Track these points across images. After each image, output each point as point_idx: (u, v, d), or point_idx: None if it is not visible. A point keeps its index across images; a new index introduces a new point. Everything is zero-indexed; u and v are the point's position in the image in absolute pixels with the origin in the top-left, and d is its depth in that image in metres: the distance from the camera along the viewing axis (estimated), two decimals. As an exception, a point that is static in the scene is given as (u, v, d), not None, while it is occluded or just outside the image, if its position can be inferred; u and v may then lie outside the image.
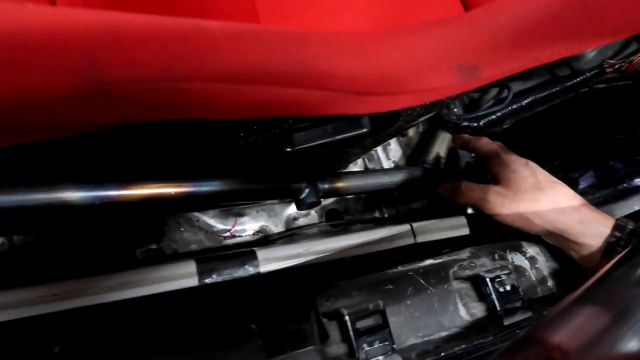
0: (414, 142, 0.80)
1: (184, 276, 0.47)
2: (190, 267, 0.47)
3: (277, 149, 0.52)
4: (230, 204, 0.64)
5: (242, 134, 0.45)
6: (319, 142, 0.51)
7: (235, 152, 0.48)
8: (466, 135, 0.70)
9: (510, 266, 0.62)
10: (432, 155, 0.73)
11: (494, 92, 0.76)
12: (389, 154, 0.75)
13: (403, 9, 0.64)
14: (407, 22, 0.62)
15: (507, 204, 0.61)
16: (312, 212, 0.73)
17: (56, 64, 0.27)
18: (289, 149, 0.52)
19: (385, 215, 0.75)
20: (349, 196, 0.75)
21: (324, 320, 0.50)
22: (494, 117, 0.73)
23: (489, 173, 0.66)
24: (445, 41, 0.38)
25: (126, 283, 0.44)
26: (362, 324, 0.50)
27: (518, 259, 0.64)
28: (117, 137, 0.41)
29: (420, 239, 0.60)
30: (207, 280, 0.48)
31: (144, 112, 0.31)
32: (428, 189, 0.71)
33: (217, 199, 0.55)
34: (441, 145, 0.74)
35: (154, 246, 0.61)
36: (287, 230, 0.68)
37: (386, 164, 0.76)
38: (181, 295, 0.47)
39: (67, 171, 0.44)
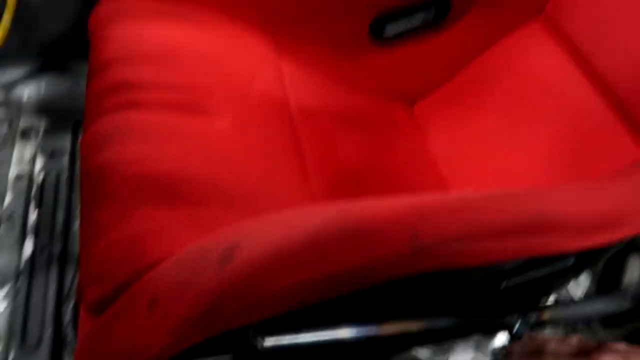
0: (599, 268, 0.83)
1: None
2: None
3: (495, 287, 0.60)
4: (445, 337, 0.72)
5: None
6: (532, 276, 0.59)
7: (465, 292, 0.58)
8: None
9: None
10: (629, 281, 0.75)
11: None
12: (580, 283, 0.79)
13: (571, 162, 0.74)
14: (579, 173, 0.71)
15: None
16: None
17: (386, 239, 0.40)
18: (504, 285, 0.61)
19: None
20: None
21: None
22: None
23: None
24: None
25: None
26: None
27: None
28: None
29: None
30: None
31: (438, 263, 0.43)
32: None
33: (443, 333, 0.63)
34: (634, 271, 0.76)
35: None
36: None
37: (575, 290, 0.80)
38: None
39: (338, 315, 0.57)
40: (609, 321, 0.78)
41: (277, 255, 0.36)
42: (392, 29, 0.91)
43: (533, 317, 0.65)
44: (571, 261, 0.60)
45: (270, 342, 0.51)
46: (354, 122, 0.87)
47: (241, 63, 0.76)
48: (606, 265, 0.80)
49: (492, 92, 0.87)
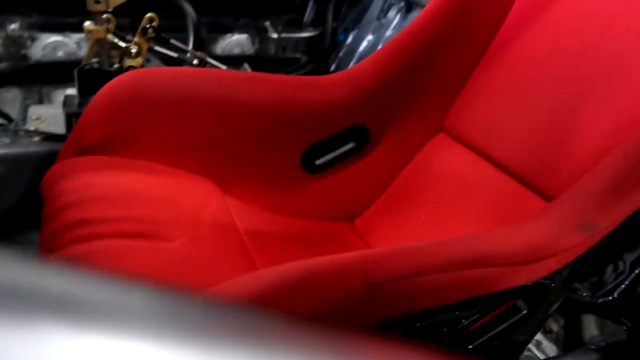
0: (561, 335, 0.86)
1: None
2: None
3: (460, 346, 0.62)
4: None
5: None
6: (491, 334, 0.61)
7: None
8: None
9: None
10: (590, 337, 0.78)
11: (610, 268, 0.86)
12: (545, 350, 0.80)
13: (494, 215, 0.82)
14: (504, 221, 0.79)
15: None
16: None
17: (340, 280, 0.43)
18: (470, 347, 0.62)
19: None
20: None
21: None
22: (623, 286, 0.82)
23: None
24: (562, 212, 0.55)
25: None
26: None
27: None
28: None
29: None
30: None
31: (390, 301, 0.45)
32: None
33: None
34: (591, 327, 0.80)
35: None
36: None
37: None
38: None
39: None
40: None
41: (258, 293, 0.38)
42: (321, 161, 1.03)
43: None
44: (524, 310, 0.64)
45: None
46: (300, 241, 0.92)
47: (190, 199, 0.82)
48: (565, 328, 0.83)
49: (419, 197, 0.97)
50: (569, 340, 0.82)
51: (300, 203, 1.03)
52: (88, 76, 1.05)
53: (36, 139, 1.00)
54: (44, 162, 1.00)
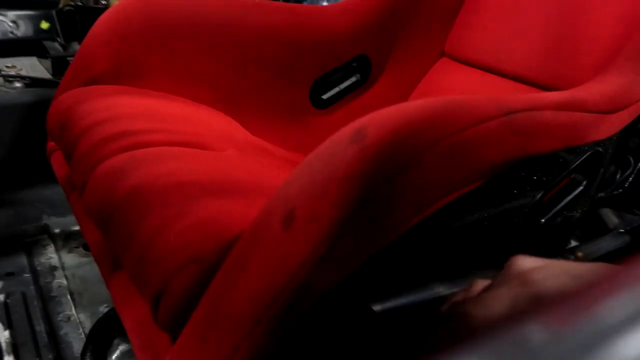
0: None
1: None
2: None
3: (532, 223, 0.62)
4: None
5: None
6: (566, 201, 0.62)
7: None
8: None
9: None
10: (614, 225, 0.82)
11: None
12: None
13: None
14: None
15: None
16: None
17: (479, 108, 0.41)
18: (542, 221, 0.63)
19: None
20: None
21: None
22: (631, 178, 0.87)
23: None
24: (631, 66, 0.56)
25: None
26: None
27: None
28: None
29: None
30: None
31: (520, 141, 0.44)
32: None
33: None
34: (611, 217, 0.84)
35: None
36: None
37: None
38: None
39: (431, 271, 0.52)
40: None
41: (407, 122, 0.35)
42: (328, 95, 1.01)
43: (572, 257, 0.66)
44: (583, 182, 0.65)
45: (377, 307, 0.45)
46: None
47: (217, 123, 0.76)
48: (588, 222, 0.87)
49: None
50: (597, 231, 0.86)
51: (309, 139, 1.00)
52: (69, 18, 0.94)
53: (18, 85, 0.89)
54: (30, 111, 0.89)
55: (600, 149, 0.64)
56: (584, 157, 0.62)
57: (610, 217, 0.85)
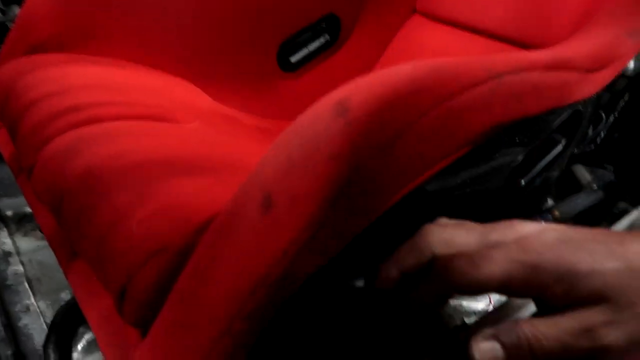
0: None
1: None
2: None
3: (513, 185, 0.60)
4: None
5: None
6: (545, 162, 0.60)
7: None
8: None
9: None
10: (586, 182, 0.82)
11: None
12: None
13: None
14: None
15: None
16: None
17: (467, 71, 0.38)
18: (522, 182, 0.61)
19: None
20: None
21: None
22: (602, 134, 0.86)
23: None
24: (613, 21, 0.54)
25: None
26: None
27: None
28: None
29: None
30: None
31: (509, 104, 0.41)
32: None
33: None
34: (583, 173, 0.84)
35: None
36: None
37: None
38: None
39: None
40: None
41: (394, 91, 0.31)
42: (296, 57, 0.95)
43: (548, 216, 0.65)
44: (562, 142, 0.63)
45: (360, 283, 0.43)
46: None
47: (179, 92, 0.70)
48: (561, 179, 0.86)
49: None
50: (570, 188, 0.86)
51: (280, 104, 0.94)
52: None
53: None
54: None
55: (580, 108, 0.62)
56: (566, 116, 0.60)
57: (583, 173, 0.84)
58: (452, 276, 0.30)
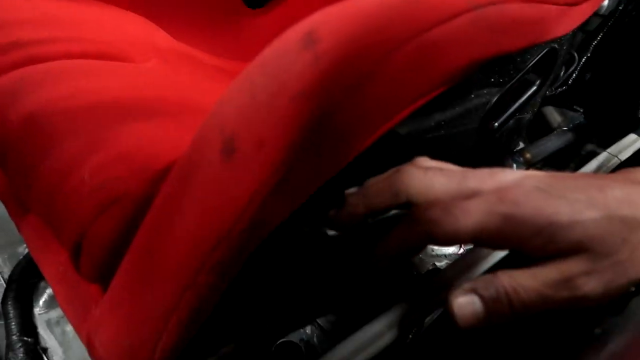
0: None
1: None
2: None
3: (486, 127, 0.59)
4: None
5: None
6: (519, 103, 0.59)
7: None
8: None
9: None
10: (557, 123, 0.81)
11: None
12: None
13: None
14: None
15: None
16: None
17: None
18: (496, 124, 0.60)
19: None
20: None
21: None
22: (574, 75, 0.85)
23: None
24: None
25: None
26: None
27: None
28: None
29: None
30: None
31: (489, 39, 0.39)
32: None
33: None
34: (553, 115, 0.83)
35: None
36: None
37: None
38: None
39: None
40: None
41: (366, 22, 0.28)
42: (262, -9, 0.89)
43: (520, 159, 0.65)
44: (536, 82, 0.62)
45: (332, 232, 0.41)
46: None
47: (133, 28, 0.64)
48: (533, 121, 0.86)
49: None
50: (540, 130, 0.85)
51: (245, 44, 0.89)
52: None
53: None
54: None
55: (556, 46, 0.60)
56: (541, 55, 0.58)
57: (554, 115, 0.84)
58: (428, 226, 0.28)
